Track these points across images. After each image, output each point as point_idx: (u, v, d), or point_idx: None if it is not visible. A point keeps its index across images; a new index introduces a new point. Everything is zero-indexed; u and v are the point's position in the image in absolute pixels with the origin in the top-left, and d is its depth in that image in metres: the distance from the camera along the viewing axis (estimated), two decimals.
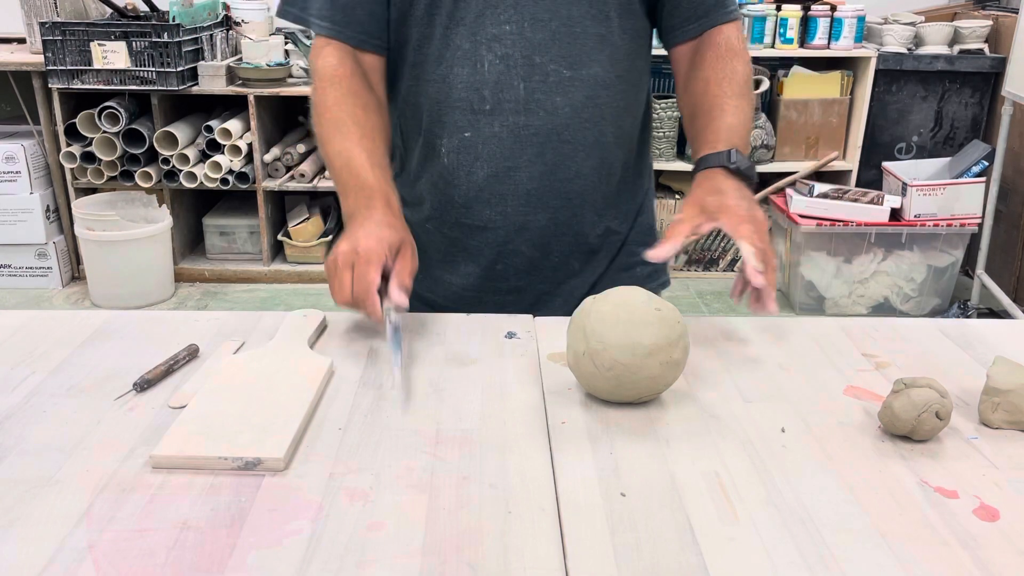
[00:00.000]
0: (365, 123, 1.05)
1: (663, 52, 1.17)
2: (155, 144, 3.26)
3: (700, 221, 0.98)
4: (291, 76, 3.42)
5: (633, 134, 1.18)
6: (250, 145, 3.37)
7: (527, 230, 1.13)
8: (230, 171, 3.34)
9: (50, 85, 3.21)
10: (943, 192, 3.10)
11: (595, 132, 1.11)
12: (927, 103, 3.47)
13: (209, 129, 3.34)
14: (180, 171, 3.31)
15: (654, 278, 1.22)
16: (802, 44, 3.41)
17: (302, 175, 3.42)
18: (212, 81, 3.31)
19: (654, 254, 0.96)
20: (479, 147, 1.09)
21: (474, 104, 1.07)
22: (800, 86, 3.47)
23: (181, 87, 3.22)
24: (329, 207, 3.76)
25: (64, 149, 3.28)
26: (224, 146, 3.33)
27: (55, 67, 3.17)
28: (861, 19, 3.37)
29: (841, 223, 3.11)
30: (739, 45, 1.13)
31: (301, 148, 3.49)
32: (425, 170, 1.15)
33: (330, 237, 3.59)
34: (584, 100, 1.08)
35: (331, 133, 1.05)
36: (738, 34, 1.14)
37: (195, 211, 3.67)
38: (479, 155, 1.09)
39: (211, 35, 3.40)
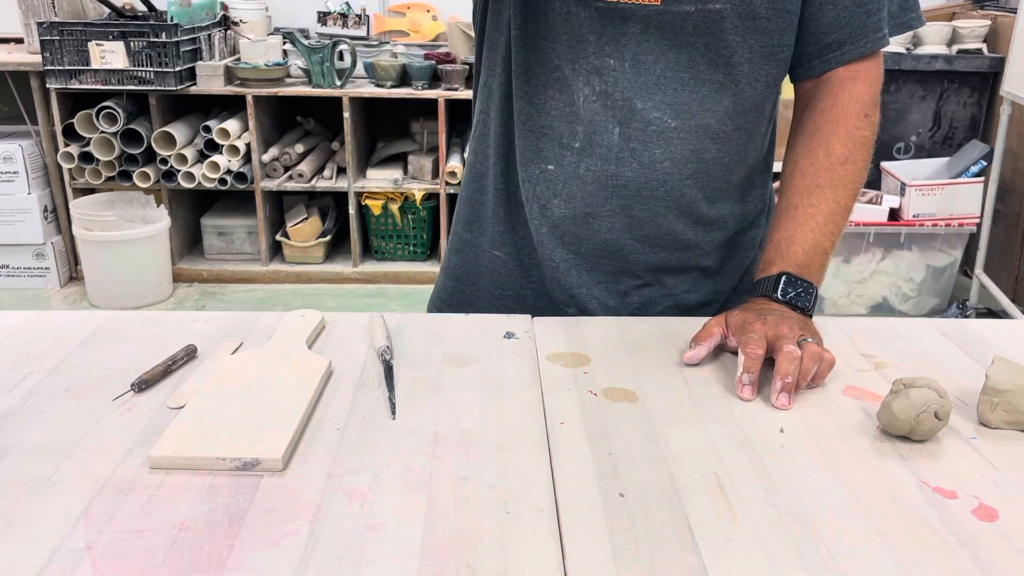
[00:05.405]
0: None
1: None
2: (153, 144, 3.26)
3: (725, 334, 0.89)
4: (289, 76, 3.42)
5: (751, 179, 1.04)
6: (248, 145, 3.37)
7: (600, 272, 1.02)
8: (228, 171, 3.34)
9: (48, 85, 3.21)
10: (942, 192, 3.10)
11: (694, 190, 0.97)
12: (925, 103, 3.48)
13: (207, 129, 3.33)
14: (178, 171, 3.31)
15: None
16: None
17: (300, 175, 3.42)
18: (210, 81, 3.31)
19: (687, 357, 0.87)
20: (559, 184, 0.99)
21: (564, 138, 0.96)
22: None
23: (179, 87, 3.22)
24: (327, 207, 3.76)
25: (62, 149, 3.27)
26: (222, 146, 3.33)
27: (53, 67, 3.17)
28: None
29: None
30: (860, 106, 0.96)
31: (299, 148, 3.49)
32: (499, 193, 1.04)
33: (328, 237, 3.59)
34: (688, 154, 0.95)
35: None
36: (867, 81, 0.97)
37: (193, 211, 3.67)
38: (558, 192, 0.99)
39: (209, 35, 3.40)
